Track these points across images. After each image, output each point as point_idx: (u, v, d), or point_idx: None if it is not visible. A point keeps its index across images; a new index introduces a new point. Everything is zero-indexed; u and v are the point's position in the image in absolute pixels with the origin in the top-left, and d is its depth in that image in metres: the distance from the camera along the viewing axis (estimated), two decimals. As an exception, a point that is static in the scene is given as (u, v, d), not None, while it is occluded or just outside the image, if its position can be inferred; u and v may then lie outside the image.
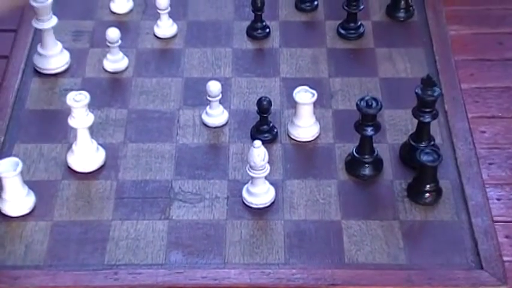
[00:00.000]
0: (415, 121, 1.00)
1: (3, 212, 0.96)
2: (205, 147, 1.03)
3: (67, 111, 1.02)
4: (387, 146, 1.03)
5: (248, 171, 0.95)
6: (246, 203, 0.96)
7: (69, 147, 1.02)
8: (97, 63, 1.14)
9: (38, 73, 1.13)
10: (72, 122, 0.99)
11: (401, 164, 1.01)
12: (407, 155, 1.00)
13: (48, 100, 1.10)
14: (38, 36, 1.15)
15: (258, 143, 0.91)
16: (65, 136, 1.04)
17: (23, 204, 0.96)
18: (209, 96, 1.04)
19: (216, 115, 1.05)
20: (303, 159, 1.02)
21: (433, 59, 1.14)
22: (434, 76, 1.04)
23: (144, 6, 1.23)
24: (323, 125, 1.05)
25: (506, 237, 1.74)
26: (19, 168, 0.94)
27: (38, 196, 0.97)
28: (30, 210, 0.96)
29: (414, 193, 0.97)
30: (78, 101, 0.98)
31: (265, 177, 0.96)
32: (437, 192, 0.97)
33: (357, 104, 0.97)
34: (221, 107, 1.05)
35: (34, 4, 1.09)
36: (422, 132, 1.00)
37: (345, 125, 1.04)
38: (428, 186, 0.96)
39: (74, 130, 1.00)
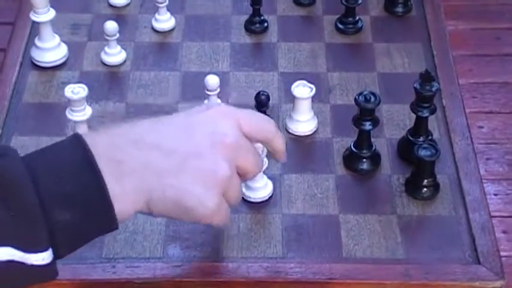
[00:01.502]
0: (413, 116, 1.00)
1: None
2: (203, 141, 1.03)
3: (65, 104, 1.02)
4: (385, 140, 1.03)
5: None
6: (244, 197, 0.96)
7: (67, 141, 1.01)
8: (95, 56, 1.14)
9: (36, 66, 1.13)
10: (70, 114, 0.99)
11: (399, 159, 1.01)
12: (405, 149, 1.01)
13: (46, 93, 1.10)
14: (35, 29, 1.15)
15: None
16: (62, 129, 1.04)
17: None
18: (207, 90, 1.04)
19: (214, 109, 1.05)
20: (301, 153, 1.02)
21: (431, 54, 1.15)
22: (432, 71, 1.03)
23: (142, -1, 1.23)
24: (321, 120, 1.05)
25: (504, 232, 1.75)
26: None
27: (35, 189, 0.96)
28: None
29: (412, 188, 0.97)
30: (76, 94, 0.98)
31: (263, 171, 0.96)
32: (435, 187, 0.97)
33: (355, 99, 0.97)
34: (219, 101, 1.05)
35: (32, -3, 1.09)
36: (420, 127, 1.00)
37: (343, 119, 1.04)
38: (426, 181, 0.96)
39: (72, 123, 1.00)
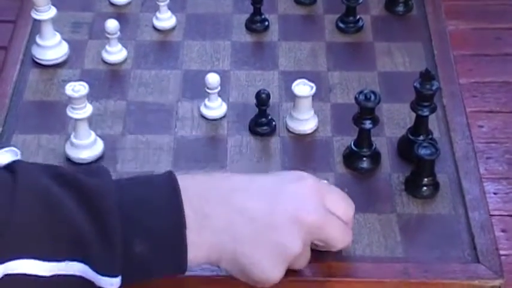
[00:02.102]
0: (413, 115, 1.00)
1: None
2: (203, 140, 1.03)
3: (65, 102, 1.02)
4: (385, 139, 1.03)
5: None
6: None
7: (68, 138, 1.02)
8: (96, 54, 1.14)
9: (37, 64, 1.13)
10: (70, 112, 0.99)
11: (399, 158, 1.01)
12: (405, 148, 1.01)
13: (47, 91, 1.10)
14: (36, 27, 1.15)
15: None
16: (63, 127, 1.04)
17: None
18: (208, 88, 1.04)
19: (215, 107, 1.05)
20: (301, 152, 1.02)
21: (432, 53, 1.15)
22: (433, 70, 1.04)
23: (143, -2, 1.23)
24: (321, 118, 1.06)
25: (503, 231, 1.75)
26: (18, 159, 0.94)
27: (36, 187, 0.97)
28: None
29: (412, 187, 0.97)
30: (77, 92, 0.98)
31: (263, 170, 0.96)
32: (435, 186, 0.97)
33: (355, 98, 0.97)
34: (220, 100, 1.05)
35: (33, -5, 1.09)
36: (420, 126, 1.00)
37: (343, 118, 1.04)
38: (425, 180, 0.96)
39: (73, 121, 1.01)
